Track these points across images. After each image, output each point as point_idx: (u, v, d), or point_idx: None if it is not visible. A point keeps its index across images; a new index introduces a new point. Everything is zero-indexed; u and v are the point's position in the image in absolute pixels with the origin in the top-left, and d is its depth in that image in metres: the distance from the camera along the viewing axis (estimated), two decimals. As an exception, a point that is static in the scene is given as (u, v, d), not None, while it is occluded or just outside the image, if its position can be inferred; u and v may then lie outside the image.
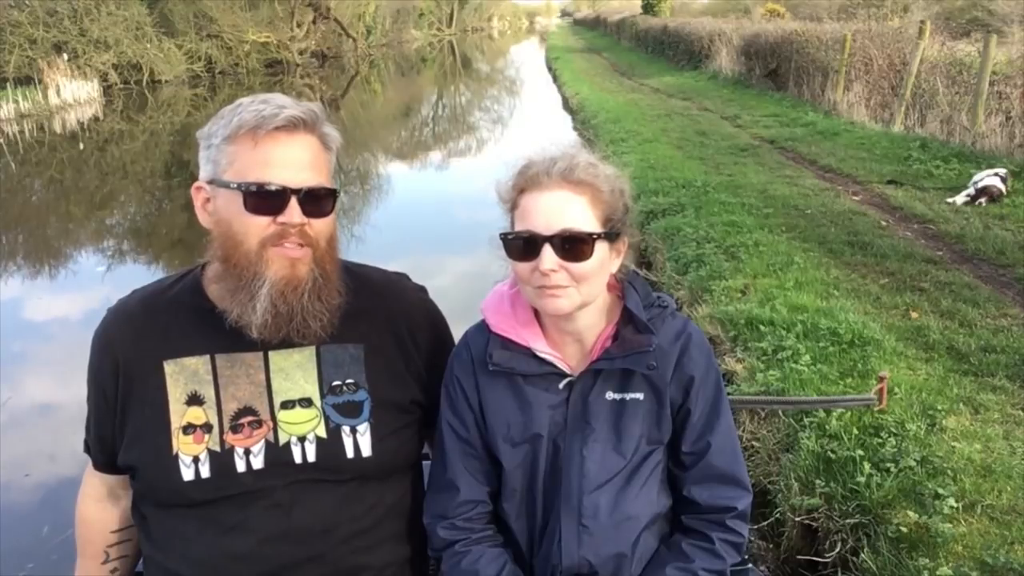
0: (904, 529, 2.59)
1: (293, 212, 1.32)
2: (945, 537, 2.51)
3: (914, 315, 4.47)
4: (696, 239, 6.10)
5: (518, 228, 1.36)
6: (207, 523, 1.39)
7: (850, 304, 4.57)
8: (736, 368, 3.98)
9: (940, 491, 2.72)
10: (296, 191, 1.32)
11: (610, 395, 1.44)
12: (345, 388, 1.46)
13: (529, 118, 18.69)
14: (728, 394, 1.61)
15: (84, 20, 22.67)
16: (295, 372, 1.44)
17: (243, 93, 1.46)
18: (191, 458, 1.38)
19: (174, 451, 1.39)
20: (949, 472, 2.83)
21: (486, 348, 1.46)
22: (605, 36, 45.97)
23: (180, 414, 1.40)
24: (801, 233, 6.26)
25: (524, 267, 1.35)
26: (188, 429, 1.39)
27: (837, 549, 2.81)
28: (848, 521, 2.79)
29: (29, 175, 12.89)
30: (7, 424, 4.54)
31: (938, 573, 2.38)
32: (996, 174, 7.16)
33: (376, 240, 8.40)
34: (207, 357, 1.42)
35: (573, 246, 1.32)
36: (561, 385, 1.44)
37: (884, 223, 6.60)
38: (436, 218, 9.94)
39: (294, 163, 1.33)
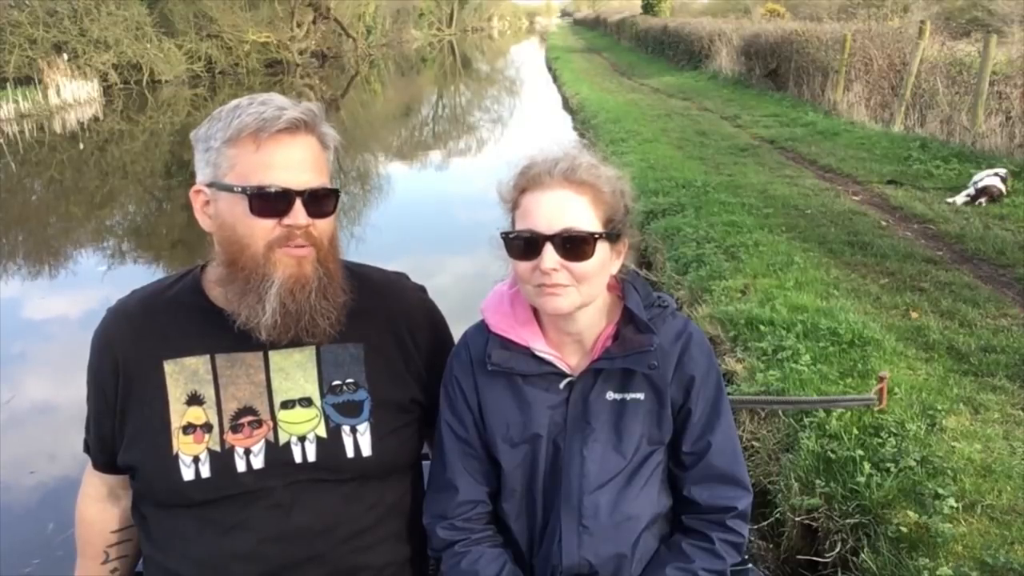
0: (904, 529, 2.59)
1: (298, 214, 1.32)
2: (945, 537, 2.51)
3: (914, 315, 4.47)
4: (696, 239, 6.10)
5: (519, 227, 1.36)
6: (207, 523, 1.39)
7: (850, 304, 4.57)
8: (736, 368, 3.98)
9: (940, 491, 2.71)
10: (300, 193, 1.32)
11: (610, 395, 1.44)
12: (345, 388, 1.46)
13: (529, 118, 18.68)
14: (728, 394, 1.61)
15: (84, 20, 22.66)
16: (295, 372, 1.44)
17: (243, 93, 1.46)
18: (191, 458, 1.38)
19: (174, 451, 1.39)
20: (949, 472, 2.83)
21: (485, 348, 1.46)
22: (605, 36, 45.97)
23: (180, 414, 1.40)
24: (801, 233, 6.26)
25: (525, 266, 1.35)
26: (188, 429, 1.39)
27: (837, 549, 2.81)
28: (848, 521, 2.79)
29: (29, 175, 12.90)
30: (11, 423, 4.56)
31: (938, 573, 2.38)
32: (996, 174, 7.16)
33: (376, 240, 8.40)
34: (207, 357, 1.42)
35: (574, 246, 1.32)
36: (561, 385, 1.44)
37: (884, 223, 6.60)
38: (436, 218, 9.94)
39: (296, 164, 1.33)
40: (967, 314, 4.45)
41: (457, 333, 1.58)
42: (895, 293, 4.87)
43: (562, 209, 1.33)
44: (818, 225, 6.52)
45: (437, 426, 1.53)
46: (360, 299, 1.46)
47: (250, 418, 1.41)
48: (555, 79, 25.49)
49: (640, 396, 1.43)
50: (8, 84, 18.28)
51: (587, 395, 1.44)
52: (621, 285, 1.47)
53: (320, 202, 1.36)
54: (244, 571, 1.38)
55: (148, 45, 24.49)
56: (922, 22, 11.93)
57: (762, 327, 4.20)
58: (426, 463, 1.62)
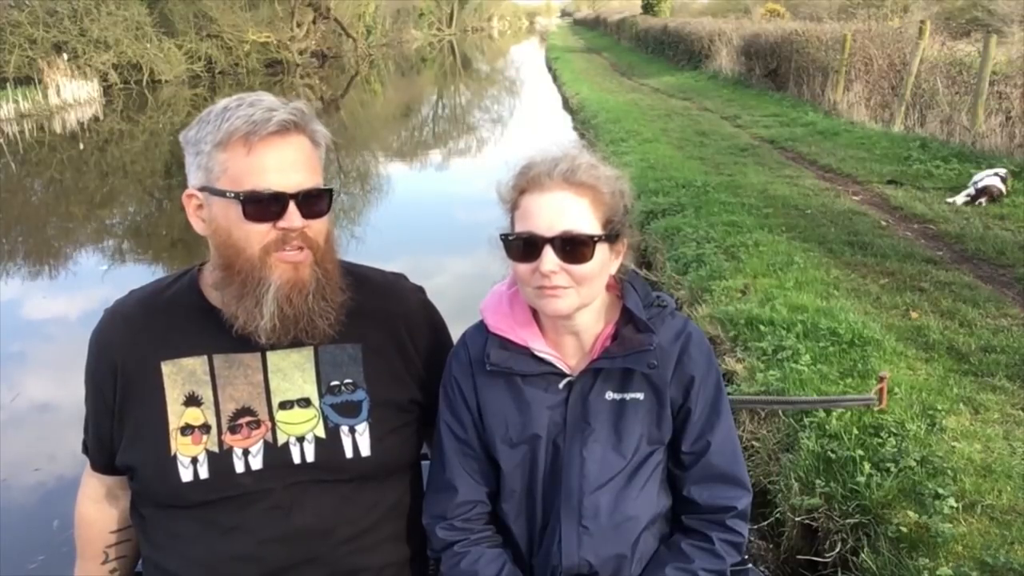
0: (904, 529, 2.59)
1: (293, 217, 1.32)
2: (945, 537, 2.51)
3: (914, 315, 4.46)
4: (696, 239, 6.10)
5: (519, 229, 1.36)
6: (205, 524, 1.39)
7: (850, 304, 4.57)
8: (736, 368, 3.98)
9: (940, 491, 2.71)
10: (294, 195, 1.32)
11: (610, 395, 1.43)
12: (343, 388, 1.45)
13: (529, 118, 18.68)
14: (728, 394, 1.61)
15: (84, 20, 22.65)
16: (293, 372, 1.44)
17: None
18: (189, 459, 1.38)
19: (172, 452, 1.38)
20: (949, 472, 2.83)
21: (484, 348, 1.46)
22: (605, 36, 45.97)
23: (178, 415, 1.40)
24: (801, 233, 6.26)
25: (524, 268, 1.35)
26: (186, 430, 1.39)
27: (837, 549, 2.81)
28: (848, 521, 2.79)
29: (29, 175, 12.89)
30: (14, 421, 4.57)
31: (938, 573, 2.37)
32: (996, 174, 7.16)
33: (376, 240, 8.39)
34: (204, 358, 1.41)
35: (574, 248, 1.32)
36: (560, 385, 1.44)
37: (884, 223, 6.59)
38: (435, 218, 9.94)
39: (289, 166, 1.32)
40: (967, 314, 4.45)
41: (456, 333, 1.58)
42: (895, 293, 4.87)
43: (562, 211, 1.33)
44: (818, 225, 6.52)
45: (436, 426, 1.53)
46: (359, 300, 1.46)
47: (248, 419, 1.41)
48: (555, 79, 25.49)
49: (640, 396, 1.43)
50: (8, 84, 18.28)
51: (586, 395, 1.43)
52: (620, 285, 1.47)
53: (314, 202, 1.35)
54: (243, 572, 1.38)
55: (148, 45, 24.49)
56: (922, 22, 11.93)
57: (762, 327, 4.20)
58: (425, 463, 1.62)
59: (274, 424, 1.41)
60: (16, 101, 17.54)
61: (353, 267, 1.53)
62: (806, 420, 3.30)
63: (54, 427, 4.49)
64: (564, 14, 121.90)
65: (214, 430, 1.40)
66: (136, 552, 1.57)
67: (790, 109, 13.63)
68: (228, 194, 1.31)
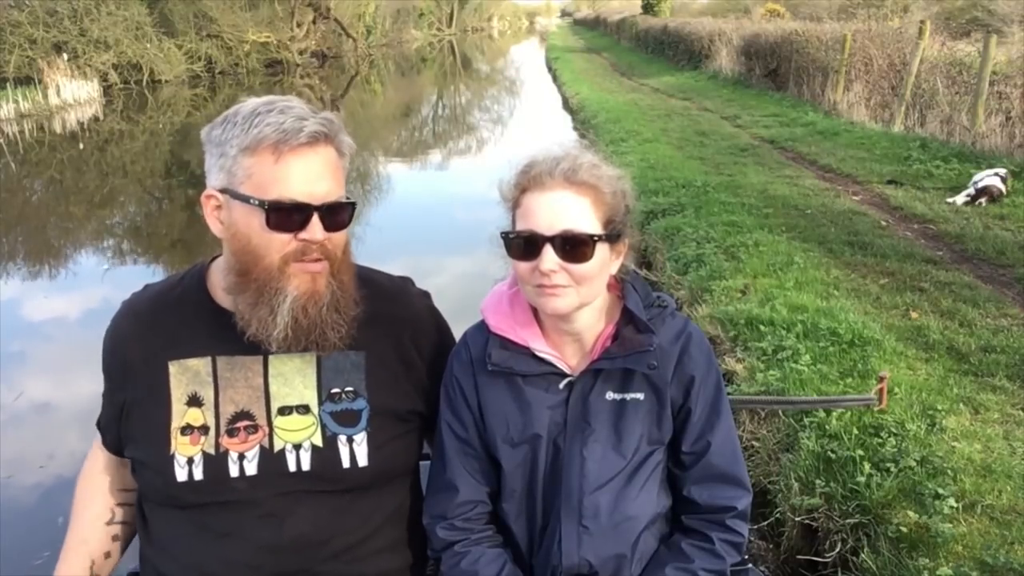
0: (904, 529, 2.59)
1: (315, 229, 1.31)
2: (945, 537, 2.51)
3: (914, 315, 4.46)
4: (696, 239, 6.10)
5: (519, 227, 1.36)
6: (200, 528, 1.39)
7: (850, 304, 4.57)
8: (736, 368, 3.98)
9: (940, 491, 2.71)
10: (318, 208, 1.31)
11: (610, 395, 1.44)
12: (344, 396, 1.44)
13: (529, 118, 18.68)
14: (728, 394, 1.61)
15: (84, 20, 22.64)
16: (294, 377, 1.43)
17: (243, 93, 1.45)
18: (186, 459, 1.38)
19: (171, 451, 1.39)
20: (949, 472, 2.83)
21: (485, 348, 1.46)
22: (605, 36, 45.96)
23: (180, 415, 1.40)
24: (801, 233, 6.26)
25: (524, 266, 1.35)
26: (186, 430, 1.39)
27: (837, 549, 2.81)
28: (848, 521, 2.79)
29: (29, 175, 12.89)
30: (19, 419, 4.59)
31: (938, 573, 2.37)
32: (996, 174, 7.16)
33: (376, 240, 8.38)
34: (209, 358, 1.42)
35: (574, 247, 1.32)
36: (561, 385, 1.44)
37: (884, 223, 6.59)
38: (436, 218, 9.93)
39: (315, 177, 1.31)
40: (967, 314, 4.45)
41: (457, 333, 1.58)
42: (895, 293, 4.87)
43: (562, 210, 1.33)
44: (818, 225, 6.52)
45: (437, 426, 1.53)
46: (368, 306, 1.45)
47: (246, 423, 1.40)
48: (555, 79, 25.48)
49: (640, 396, 1.43)
50: (8, 84, 18.26)
51: (587, 395, 1.44)
52: (621, 285, 1.47)
53: (336, 215, 1.34)
54: None
55: (148, 45, 24.48)
56: (922, 22, 11.93)
57: (762, 327, 4.20)
58: (425, 464, 1.62)
59: (272, 430, 1.40)
60: (16, 101, 17.52)
61: (362, 270, 1.52)
62: (806, 420, 3.30)
63: (57, 425, 4.50)
64: (564, 14, 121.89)
65: (212, 432, 1.39)
66: (133, 531, 1.56)
67: (790, 109, 13.63)
68: (252, 201, 1.30)
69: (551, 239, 1.32)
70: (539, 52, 44.76)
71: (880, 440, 3.06)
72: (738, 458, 1.48)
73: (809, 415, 3.31)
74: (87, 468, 1.59)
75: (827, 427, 3.18)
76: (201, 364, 1.41)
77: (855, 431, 3.12)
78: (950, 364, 3.82)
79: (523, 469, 1.46)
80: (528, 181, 1.36)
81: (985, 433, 3.12)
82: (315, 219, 1.31)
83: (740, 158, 9.73)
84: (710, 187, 7.82)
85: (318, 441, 1.41)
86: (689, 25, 25.22)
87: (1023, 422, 3.25)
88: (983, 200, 6.96)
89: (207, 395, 1.41)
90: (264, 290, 1.32)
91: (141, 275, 7.48)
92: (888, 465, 2.89)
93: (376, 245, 8.08)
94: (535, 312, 1.46)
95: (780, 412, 3.49)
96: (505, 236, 1.38)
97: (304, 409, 1.42)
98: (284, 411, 1.41)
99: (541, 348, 1.44)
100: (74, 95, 19.83)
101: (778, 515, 3.12)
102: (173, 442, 1.39)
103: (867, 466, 2.89)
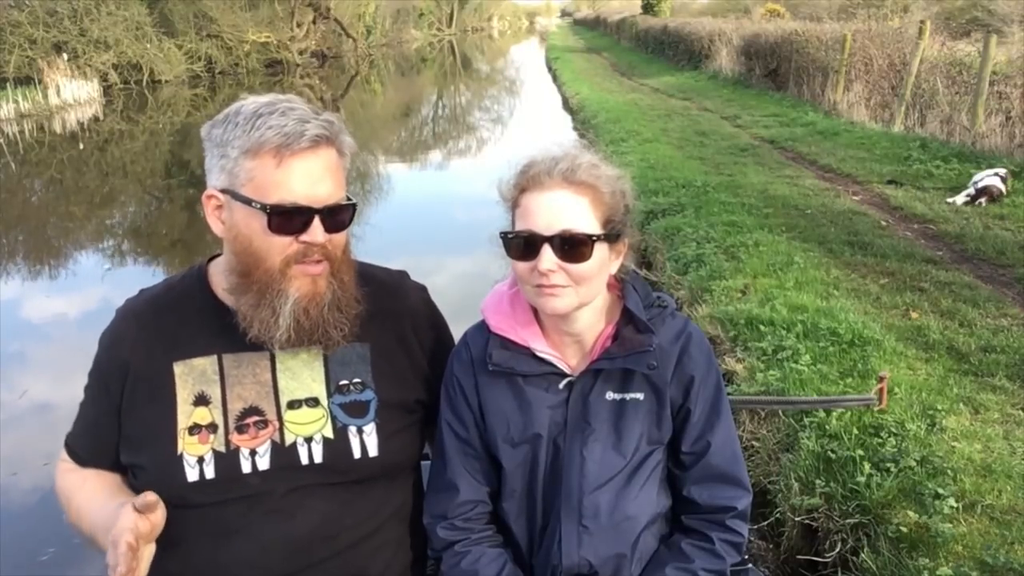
0: (904, 529, 2.59)
1: (316, 231, 1.31)
2: (945, 537, 2.50)
3: (914, 315, 4.46)
4: (696, 239, 6.10)
5: (519, 227, 1.36)
6: (209, 527, 1.38)
7: (850, 304, 4.57)
8: (736, 368, 3.98)
9: (940, 491, 2.71)
10: (319, 210, 1.31)
11: (610, 395, 1.44)
12: (352, 387, 1.45)
13: (529, 118, 18.68)
14: (728, 394, 1.61)
15: (84, 20, 22.65)
16: (302, 371, 1.43)
17: (243, 93, 1.44)
18: (196, 459, 1.38)
19: (179, 451, 1.38)
20: (949, 472, 2.83)
21: (486, 348, 1.46)
22: (605, 36, 45.94)
23: (187, 415, 1.40)
24: (801, 233, 6.26)
25: (523, 266, 1.35)
26: (194, 429, 1.39)
27: (837, 549, 2.81)
28: (848, 521, 2.79)
29: (29, 175, 12.89)
30: (22, 418, 4.60)
31: (938, 573, 2.37)
32: (996, 174, 7.16)
33: (376, 240, 8.38)
34: (214, 357, 1.42)
35: (572, 247, 1.32)
36: (561, 385, 1.44)
37: (884, 223, 6.59)
38: (436, 218, 9.94)
39: (316, 179, 1.31)
40: (967, 314, 4.45)
41: (457, 333, 1.58)
42: (895, 293, 4.87)
43: (561, 210, 1.33)
44: (818, 225, 6.51)
45: (438, 426, 1.53)
46: (369, 302, 1.46)
47: (256, 418, 1.40)
48: (555, 79, 25.47)
49: (640, 396, 1.43)
50: (8, 84, 18.27)
51: (587, 395, 1.44)
52: (621, 285, 1.47)
53: (337, 217, 1.35)
54: None
55: (148, 45, 24.48)
56: (922, 22, 11.93)
57: (762, 327, 4.19)
58: (426, 464, 1.62)
59: (282, 424, 1.41)
60: (16, 101, 17.53)
61: (362, 267, 1.53)
62: (806, 420, 3.30)
63: (59, 424, 4.50)
64: (564, 14, 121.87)
65: (221, 429, 1.39)
66: None
67: (790, 109, 13.62)
68: (254, 204, 1.30)
69: (550, 239, 1.32)
70: (539, 52, 44.76)
71: (880, 440, 3.06)
72: (738, 458, 1.48)
73: (809, 415, 3.31)
74: (63, 482, 1.52)
75: (827, 427, 3.18)
76: (207, 363, 1.41)
77: (855, 431, 3.12)
78: (950, 364, 3.82)
79: (523, 469, 1.46)
80: (527, 181, 1.37)
81: (985, 433, 3.12)
82: (316, 222, 1.31)
83: (740, 158, 9.73)
84: (710, 187, 7.82)
85: (329, 433, 1.42)
86: (689, 25, 25.21)
87: (1023, 422, 3.25)
88: (983, 200, 6.96)
89: (214, 393, 1.40)
90: (266, 292, 1.33)
91: (142, 275, 7.49)
92: (888, 465, 2.89)
93: (376, 245, 8.07)
94: (535, 312, 1.46)
95: (780, 412, 3.49)
96: (504, 236, 1.38)
97: (314, 402, 1.43)
98: (294, 405, 1.42)
99: (541, 348, 1.44)
100: (74, 95, 19.84)
101: (778, 515, 3.12)
102: (180, 443, 1.38)
103: (867, 466, 2.88)
